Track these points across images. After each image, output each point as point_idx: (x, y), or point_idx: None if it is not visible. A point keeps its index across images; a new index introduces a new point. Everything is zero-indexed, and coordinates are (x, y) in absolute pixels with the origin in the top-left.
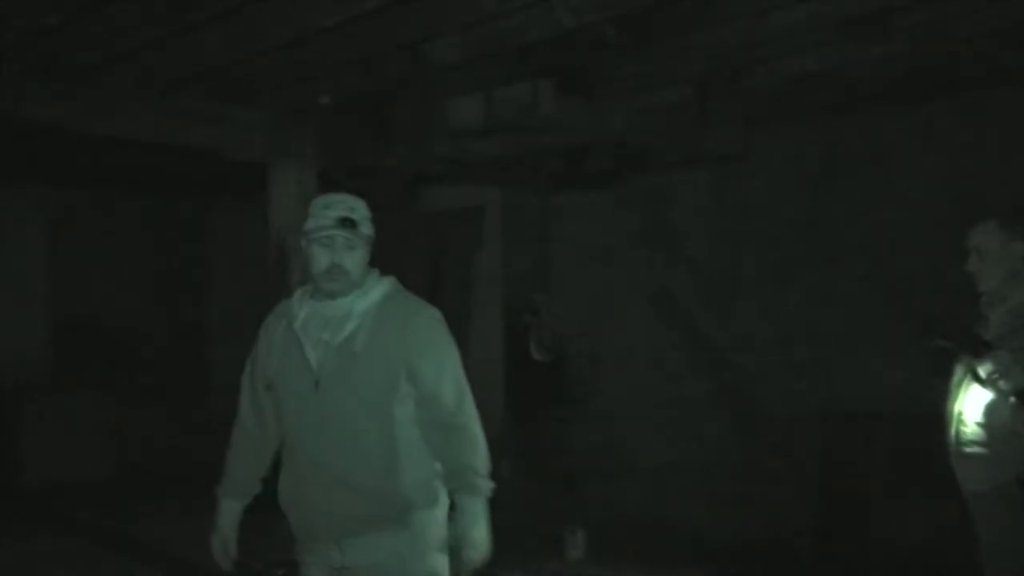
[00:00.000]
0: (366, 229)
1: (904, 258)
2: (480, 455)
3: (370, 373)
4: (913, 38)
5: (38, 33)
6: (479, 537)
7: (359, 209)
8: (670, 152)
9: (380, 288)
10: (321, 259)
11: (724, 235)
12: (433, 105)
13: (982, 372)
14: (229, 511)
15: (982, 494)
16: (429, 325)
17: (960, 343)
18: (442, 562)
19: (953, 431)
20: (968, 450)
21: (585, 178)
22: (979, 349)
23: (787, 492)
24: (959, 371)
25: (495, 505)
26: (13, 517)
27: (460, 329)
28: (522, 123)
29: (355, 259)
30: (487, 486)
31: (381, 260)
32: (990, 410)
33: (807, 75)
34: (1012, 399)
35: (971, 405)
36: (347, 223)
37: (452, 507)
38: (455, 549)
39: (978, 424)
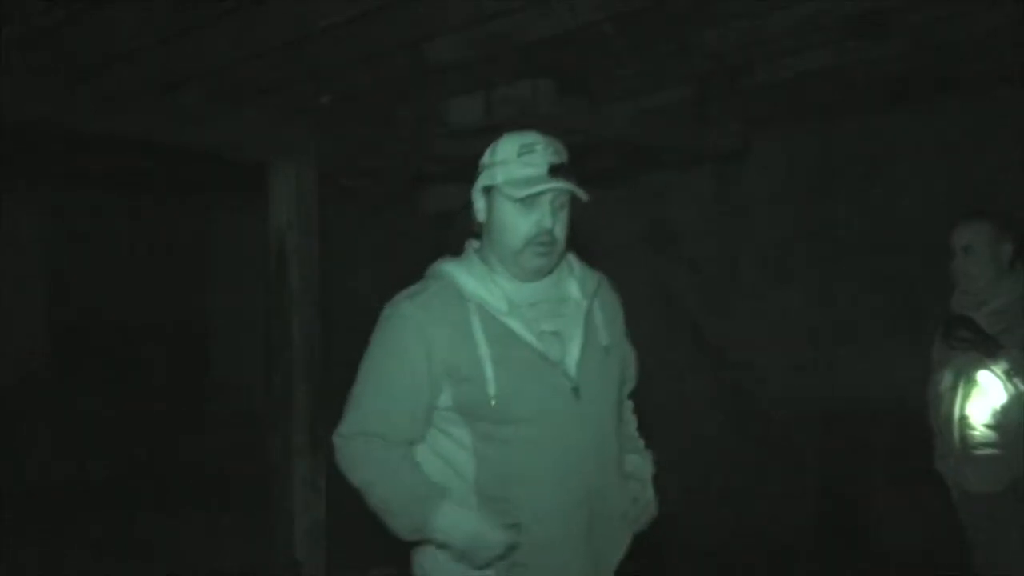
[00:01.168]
0: (574, 180)
1: (904, 258)
2: None
3: (617, 375)
4: (913, 38)
5: (38, 33)
6: None
7: (563, 151)
8: (670, 152)
9: (576, 260)
10: (521, 224)
11: (724, 235)
12: (433, 105)
13: (999, 370)
14: (455, 519)
15: (995, 495)
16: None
17: (976, 341)
18: None
19: (956, 435)
20: (979, 452)
21: (585, 178)
22: (991, 348)
23: (787, 491)
24: (948, 375)
25: None
26: (12, 516)
27: None
28: (522, 123)
29: (564, 223)
30: None
31: (381, 260)
32: (1003, 409)
33: (807, 75)
34: None
35: (977, 407)
36: (562, 172)
37: None
38: None
39: (987, 425)
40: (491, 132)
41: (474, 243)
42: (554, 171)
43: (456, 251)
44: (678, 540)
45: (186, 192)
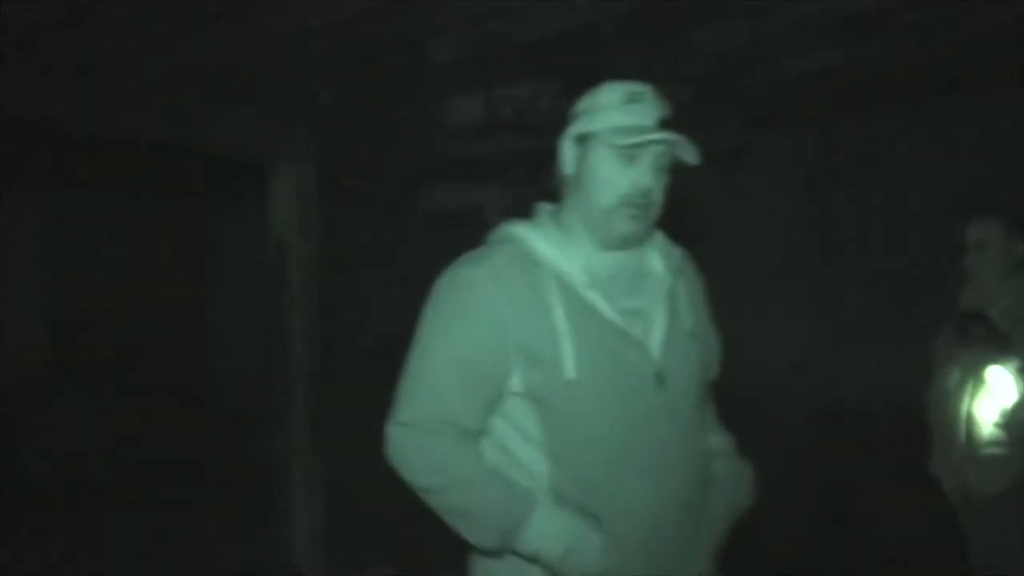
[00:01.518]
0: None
1: (904, 258)
2: None
3: (702, 362)
4: (913, 38)
5: (38, 32)
6: None
7: (671, 107)
8: None
9: (659, 232)
10: (619, 179)
11: (724, 235)
12: (433, 104)
13: (1011, 368)
14: (550, 528)
15: (999, 495)
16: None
17: (991, 337)
18: None
19: (962, 434)
20: (985, 452)
21: None
22: (1005, 345)
23: (786, 492)
24: (955, 373)
25: None
26: (12, 516)
27: None
28: (522, 122)
29: (663, 188)
30: None
31: (381, 260)
32: (1013, 408)
33: (807, 75)
34: None
35: (986, 405)
36: (671, 128)
37: None
38: None
39: (996, 424)
40: (491, 132)
41: (546, 206)
42: (665, 126)
43: (458, 251)
44: None
45: (186, 192)
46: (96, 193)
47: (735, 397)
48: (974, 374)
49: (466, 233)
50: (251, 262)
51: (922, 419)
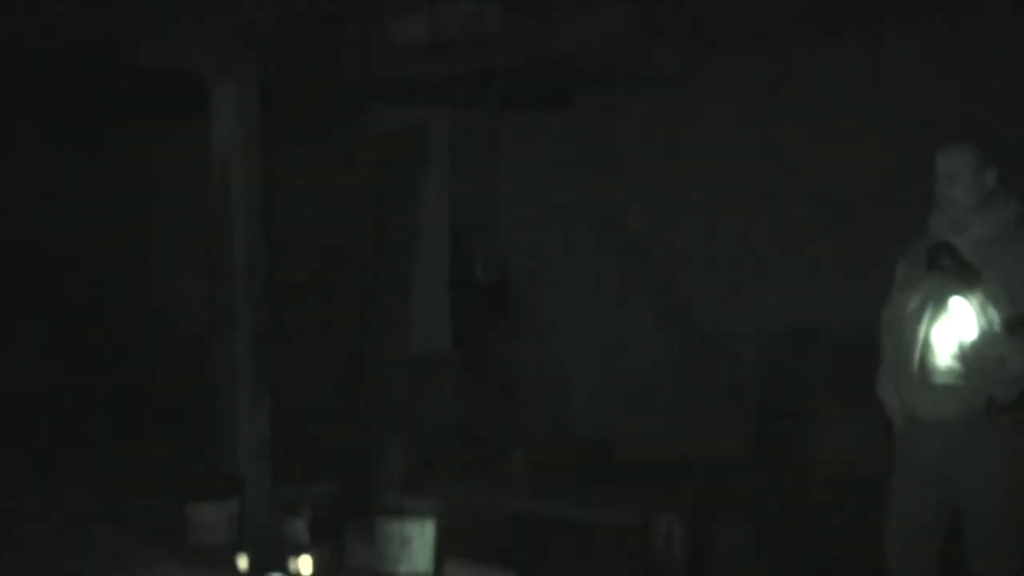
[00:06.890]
0: None
1: (852, 187)
2: None
3: None
4: None
5: None
6: None
7: None
8: (618, 74)
9: None
10: None
11: (671, 158)
12: (379, 22)
13: (974, 301)
14: None
15: (949, 423)
16: None
17: (958, 269)
18: None
19: (916, 359)
20: (939, 380)
21: (532, 99)
22: (971, 278)
23: (727, 414)
24: (916, 298)
25: (440, 427)
26: None
27: (405, 250)
28: (468, 39)
29: None
30: None
31: (324, 180)
32: (971, 341)
33: None
34: (999, 328)
35: (943, 335)
36: None
37: None
38: None
39: (952, 355)
40: (437, 49)
41: None
42: None
43: (403, 173)
44: (619, 461)
45: (127, 113)
46: (33, 115)
47: (678, 317)
48: (935, 301)
49: (411, 153)
50: (194, 184)
51: (868, 341)
